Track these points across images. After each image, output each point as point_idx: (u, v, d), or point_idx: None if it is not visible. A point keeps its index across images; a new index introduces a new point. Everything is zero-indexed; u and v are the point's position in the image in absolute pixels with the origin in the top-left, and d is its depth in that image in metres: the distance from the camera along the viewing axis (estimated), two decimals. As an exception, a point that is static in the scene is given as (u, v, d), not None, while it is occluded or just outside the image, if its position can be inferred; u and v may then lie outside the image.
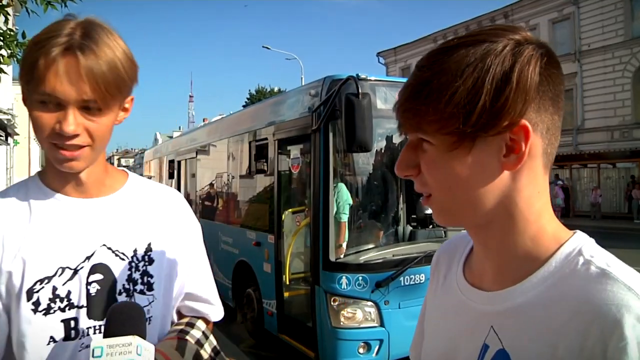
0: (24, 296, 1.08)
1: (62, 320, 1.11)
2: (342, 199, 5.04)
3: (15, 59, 5.65)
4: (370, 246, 4.84)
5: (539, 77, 0.76)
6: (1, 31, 5.43)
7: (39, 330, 1.09)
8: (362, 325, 4.47)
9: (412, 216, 5.28)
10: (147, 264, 1.23)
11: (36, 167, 45.76)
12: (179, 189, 10.31)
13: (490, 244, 0.84)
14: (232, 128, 7.62)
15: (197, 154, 8.98)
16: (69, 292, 1.12)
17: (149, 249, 1.24)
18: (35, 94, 1.02)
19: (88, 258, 1.15)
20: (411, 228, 5.22)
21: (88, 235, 1.17)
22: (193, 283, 1.36)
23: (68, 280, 1.12)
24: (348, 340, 4.46)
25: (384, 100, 4.69)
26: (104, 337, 1.02)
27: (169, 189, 1.41)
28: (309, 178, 5.02)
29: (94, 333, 1.14)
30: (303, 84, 12.36)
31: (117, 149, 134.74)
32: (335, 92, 4.49)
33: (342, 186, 5.04)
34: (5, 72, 5.89)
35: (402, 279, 4.48)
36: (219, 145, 8.06)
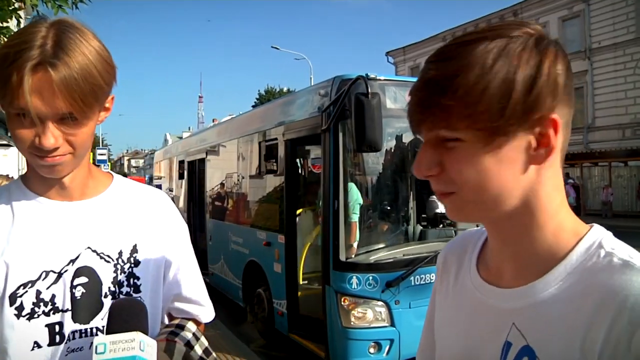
0: (7, 301, 1.06)
1: (46, 325, 1.09)
2: (353, 198, 5.04)
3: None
4: (381, 246, 4.84)
5: (565, 73, 0.77)
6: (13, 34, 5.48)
7: (22, 336, 1.07)
8: (372, 325, 4.47)
9: (423, 215, 5.27)
10: (133, 265, 1.22)
11: (47, 168, 45.90)
12: (189, 189, 10.37)
13: (509, 240, 0.84)
14: (241, 128, 7.64)
15: (207, 155, 9.02)
16: (53, 296, 1.10)
17: (134, 251, 1.23)
18: (12, 108, 1.00)
19: (72, 261, 1.13)
20: (421, 227, 5.21)
21: (72, 238, 1.15)
22: (182, 284, 1.34)
23: (52, 284, 1.11)
24: (358, 340, 4.46)
25: (394, 100, 4.68)
26: (106, 333, 1.02)
27: (154, 190, 1.39)
28: (319, 178, 5.03)
29: (80, 337, 1.12)
30: (312, 83, 12.36)
31: (127, 150, 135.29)
32: (344, 91, 4.49)
33: (352, 186, 5.03)
34: (17, 74, 5.95)
35: (412, 278, 4.48)
36: (229, 145, 8.09)
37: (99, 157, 32.73)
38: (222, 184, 8.49)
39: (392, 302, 4.44)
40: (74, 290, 1.12)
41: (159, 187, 13.65)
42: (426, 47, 37.30)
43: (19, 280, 1.08)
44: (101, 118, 1.15)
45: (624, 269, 0.73)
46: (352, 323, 4.46)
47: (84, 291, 1.13)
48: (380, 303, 4.46)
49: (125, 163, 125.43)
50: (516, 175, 0.78)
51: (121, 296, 1.19)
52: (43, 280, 1.10)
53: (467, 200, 0.79)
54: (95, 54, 1.03)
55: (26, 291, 1.08)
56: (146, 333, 1.04)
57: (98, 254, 1.17)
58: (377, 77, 4.54)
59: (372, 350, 4.46)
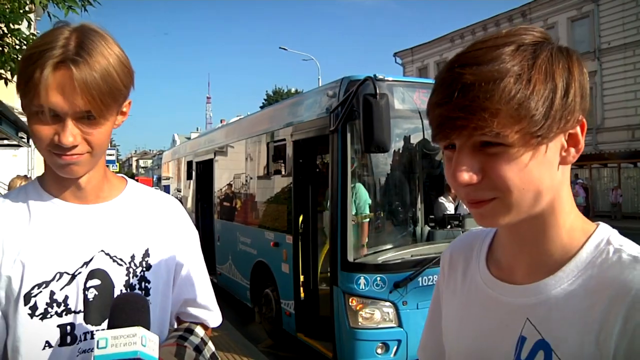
0: (21, 300, 1.08)
1: (58, 326, 1.11)
2: (362, 199, 5.05)
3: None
4: (389, 246, 4.84)
5: (586, 77, 0.80)
6: (24, 36, 5.53)
7: (35, 335, 1.09)
8: (380, 326, 4.47)
9: (430, 216, 5.27)
10: (144, 269, 1.24)
11: (56, 169, 46.17)
12: (197, 190, 10.40)
13: (528, 239, 0.86)
14: (250, 129, 7.66)
15: (215, 155, 9.04)
16: (66, 297, 1.12)
17: (146, 255, 1.25)
18: (33, 106, 1.03)
19: (86, 264, 1.15)
20: (429, 228, 5.21)
21: (86, 241, 1.17)
22: (191, 289, 1.36)
23: (65, 285, 1.12)
24: (366, 341, 4.47)
25: (402, 101, 4.68)
26: (108, 327, 1.02)
27: (166, 196, 1.42)
28: (327, 179, 5.04)
29: (91, 338, 1.13)
30: (320, 84, 12.36)
31: (135, 150, 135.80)
32: (353, 92, 4.49)
33: (360, 186, 5.06)
34: (27, 76, 6.00)
35: (420, 279, 4.47)
36: (237, 146, 8.11)
37: (107, 158, 32.89)
38: (230, 185, 8.52)
39: (400, 303, 4.44)
40: (87, 292, 1.14)
41: (167, 187, 13.72)
42: (434, 47, 37.24)
43: (33, 281, 1.09)
44: (118, 122, 1.17)
45: (634, 264, 0.77)
46: (359, 323, 4.47)
47: (97, 293, 1.15)
48: (387, 304, 4.46)
49: (134, 163, 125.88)
50: (552, 176, 0.80)
51: None
52: (57, 281, 1.12)
53: (509, 205, 0.79)
54: (115, 57, 1.07)
55: (40, 291, 1.10)
56: (148, 328, 1.04)
57: (111, 257, 1.19)
58: (385, 78, 4.54)
59: (379, 350, 4.46)
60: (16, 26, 5.49)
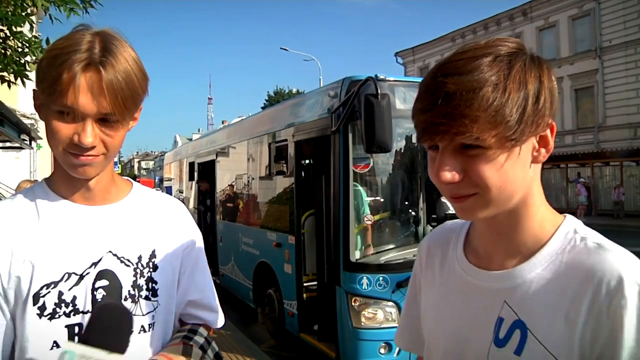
0: (30, 300, 1.09)
1: (66, 326, 1.11)
2: (362, 199, 5.07)
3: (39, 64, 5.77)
4: (391, 246, 4.84)
5: (554, 83, 0.90)
6: (26, 38, 5.55)
7: (43, 335, 1.10)
8: (383, 326, 4.47)
9: (432, 216, 5.27)
10: (151, 270, 1.25)
11: (59, 171, 46.25)
12: (199, 190, 10.41)
13: (505, 230, 0.96)
14: (251, 130, 7.67)
15: (217, 156, 9.05)
16: (75, 298, 1.13)
17: (153, 256, 1.26)
18: (55, 105, 1.05)
19: (94, 264, 1.17)
20: (431, 228, 5.21)
21: (94, 241, 1.18)
22: (195, 290, 1.38)
23: (74, 285, 1.13)
24: (369, 341, 4.47)
25: (403, 101, 4.68)
26: (80, 340, 1.04)
27: (171, 199, 1.44)
28: (329, 179, 5.04)
29: None
30: (321, 84, 12.35)
31: (137, 152, 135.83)
32: (354, 93, 4.50)
33: (358, 186, 5.08)
34: (29, 79, 6.01)
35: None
36: (239, 147, 8.12)
37: (109, 159, 32.91)
38: (232, 185, 8.53)
39: (403, 303, 4.44)
40: (95, 292, 1.15)
41: (169, 188, 13.73)
42: (435, 47, 37.21)
43: (42, 281, 1.10)
44: (129, 126, 1.19)
45: (598, 250, 0.88)
46: (362, 323, 4.47)
47: (105, 294, 1.16)
48: (390, 303, 4.46)
49: (136, 165, 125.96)
50: (525, 174, 0.90)
51: (140, 299, 1.21)
52: (65, 281, 1.12)
53: (488, 200, 0.88)
54: (134, 62, 1.10)
55: (49, 292, 1.10)
56: (125, 346, 1.06)
57: (119, 258, 1.20)
58: (387, 78, 4.55)
59: (382, 350, 4.47)
60: (18, 29, 5.51)
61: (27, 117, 21.25)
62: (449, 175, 0.86)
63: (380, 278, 4.44)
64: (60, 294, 1.11)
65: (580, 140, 27.80)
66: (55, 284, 1.11)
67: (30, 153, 26.63)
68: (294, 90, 46.04)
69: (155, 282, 1.25)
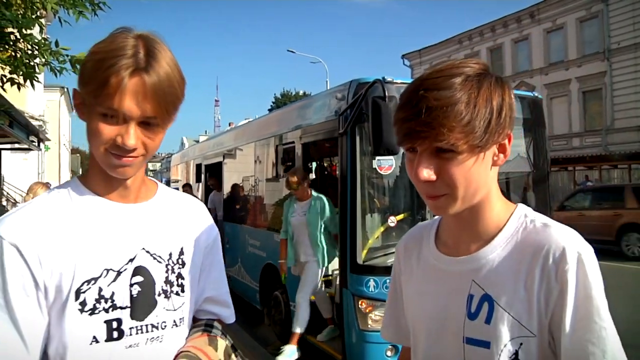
0: (72, 296, 1.11)
1: (105, 321, 1.14)
2: (331, 213, 5.13)
3: (48, 67, 5.80)
4: (398, 249, 4.84)
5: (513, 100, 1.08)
6: (36, 41, 5.57)
7: (83, 330, 1.12)
8: (390, 328, 4.46)
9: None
10: (180, 267, 1.30)
11: (66, 172, 46.63)
12: (206, 192, 10.44)
13: (470, 221, 1.13)
14: (258, 132, 7.69)
15: (224, 158, 9.08)
16: (113, 294, 1.16)
17: (181, 253, 1.31)
18: (101, 107, 1.08)
19: (131, 261, 1.20)
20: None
21: (130, 238, 1.22)
22: (214, 287, 1.43)
23: (112, 281, 1.16)
24: (376, 343, 4.46)
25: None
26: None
27: (194, 199, 1.48)
28: (336, 181, 5.05)
29: (136, 333, 1.18)
30: (328, 87, 12.34)
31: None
32: (361, 95, 4.50)
33: (325, 200, 5.30)
34: (39, 81, 6.04)
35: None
36: (246, 149, 8.13)
37: (117, 161, 33.02)
38: (239, 187, 8.54)
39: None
40: (131, 288, 1.19)
41: (176, 190, 13.76)
42: (442, 49, 37.15)
43: (83, 277, 1.13)
44: (167, 128, 1.23)
45: (544, 228, 1.07)
46: (369, 326, 4.47)
47: (140, 290, 1.20)
48: (397, 306, 4.45)
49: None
50: (486, 175, 1.08)
51: (172, 295, 1.26)
52: (104, 277, 1.16)
53: (457, 198, 1.05)
54: (175, 66, 1.15)
55: (89, 288, 1.14)
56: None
57: (151, 255, 1.24)
58: (394, 80, 4.54)
59: (389, 353, 4.46)
60: (28, 31, 5.54)
61: (36, 119, 21.40)
62: (426, 173, 1.02)
63: (387, 280, 4.43)
64: (100, 289, 1.15)
65: (588, 142, 27.66)
66: (95, 280, 1.14)
67: (38, 154, 26.80)
68: (301, 93, 46.09)
69: (184, 278, 1.30)
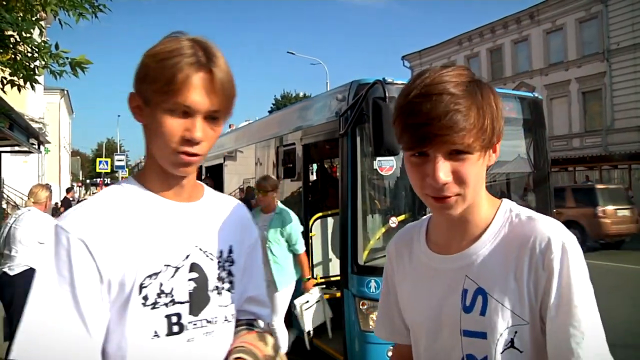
0: (135, 290, 1.15)
1: (165, 316, 1.18)
2: (294, 230, 5.08)
3: (48, 69, 5.81)
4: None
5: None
6: (36, 43, 5.58)
7: (145, 324, 1.15)
8: (391, 329, 4.45)
9: (440, 219, 5.26)
10: (230, 264, 1.34)
11: (66, 175, 46.60)
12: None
13: (463, 219, 1.17)
14: (259, 133, 7.69)
15: (224, 160, 9.08)
16: (173, 289, 1.20)
17: (230, 251, 1.36)
18: (169, 104, 1.13)
19: (187, 257, 1.24)
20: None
21: (185, 236, 1.26)
22: (256, 286, 1.47)
23: (171, 277, 1.20)
24: (377, 344, 4.45)
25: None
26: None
27: (236, 200, 1.52)
28: (337, 182, 5.05)
29: (193, 328, 1.22)
30: (328, 88, 12.34)
31: (144, 156, 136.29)
32: (362, 96, 4.50)
33: (288, 212, 5.17)
34: (39, 83, 6.05)
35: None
36: (246, 150, 8.14)
37: (117, 163, 33.05)
38: (240, 189, 8.54)
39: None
40: (188, 284, 1.23)
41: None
42: (442, 50, 37.17)
43: (146, 272, 1.17)
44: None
45: (529, 221, 1.13)
46: (370, 327, 4.46)
47: (195, 286, 1.24)
48: (399, 307, 4.44)
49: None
50: (483, 174, 1.14)
51: (224, 292, 1.31)
52: (164, 273, 1.19)
53: (467, 198, 1.10)
54: (228, 67, 1.21)
55: (151, 282, 1.17)
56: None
57: (204, 252, 1.28)
58: (395, 81, 4.54)
59: (390, 354, 4.45)
60: (28, 34, 5.54)
61: (36, 122, 21.40)
62: (444, 176, 1.06)
63: (388, 281, 4.43)
64: (161, 284, 1.18)
65: (588, 143, 27.66)
66: (156, 275, 1.18)
67: (38, 157, 26.79)
68: (301, 94, 46.10)
69: (233, 276, 1.35)
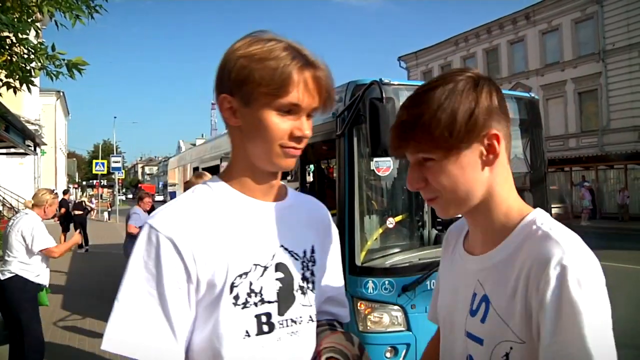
0: (227, 289, 1.15)
1: (255, 315, 1.18)
2: None
3: (44, 71, 5.80)
4: (396, 250, 4.84)
5: (497, 102, 1.11)
6: (32, 45, 5.57)
7: (237, 324, 1.16)
8: (389, 330, 4.45)
9: (438, 220, 5.26)
10: (312, 264, 1.34)
11: (62, 177, 46.48)
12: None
13: (478, 221, 1.18)
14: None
15: (221, 161, 9.07)
16: (262, 288, 1.20)
17: (313, 251, 1.36)
18: (276, 104, 1.16)
19: (273, 256, 1.24)
20: (437, 232, 5.21)
21: (272, 235, 1.26)
22: (335, 286, 1.47)
23: (260, 276, 1.20)
24: (375, 345, 4.45)
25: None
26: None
27: (317, 200, 1.53)
28: (334, 183, 5.05)
29: (279, 328, 1.22)
30: (324, 89, 12.29)
31: (140, 157, 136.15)
32: (359, 97, 4.50)
33: None
34: (35, 85, 6.04)
35: (428, 282, 4.46)
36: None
37: (113, 165, 33.02)
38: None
39: (409, 307, 4.43)
40: (275, 283, 1.23)
41: (173, 194, 13.76)
42: (438, 51, 37.27)
43: (236, 271, 1.18)
44: None
45: (543, 237, 1.05)
46: (368, 328, 4.45)
47: (281, 285, 1.25)
48: (396, 307, 4.45)
49: (139, 170, 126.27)
50: (476, 176, 1.11)
51: (308, 291, 1.31)
52: (254, 272, 1.20)
53: (448, 201, 1.13)
54: (326, 65, 1.25)
55: (241, 282, 1.18)
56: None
57: (289, 252, 1.29)
58: (391, 82, 4.54)
59: (388, 354, 4.45)
60: (24, 35, 5.53)
61: (32, 123, 21.35)
62: (411, 184, 1.14)
63: (386, 282, 4.43)
64: (251, 284, 1.19)
65: (585, 143, 27.75)
66: (246, 274, 1.19)
67: (34, 159, 26.72)
68: (297, 95, 45.96)
69: (315, 276, 1.35)
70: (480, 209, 1.14)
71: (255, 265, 1.20)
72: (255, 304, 1.19)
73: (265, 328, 1.19)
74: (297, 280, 1.28)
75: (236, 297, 1.16)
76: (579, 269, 0.97)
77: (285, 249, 1.27)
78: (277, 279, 1.23)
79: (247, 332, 1.17)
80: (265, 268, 1.22)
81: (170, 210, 1.18)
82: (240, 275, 1.17)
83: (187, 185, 5.04)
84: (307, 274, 1.32)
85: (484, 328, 1.11)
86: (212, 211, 1.20)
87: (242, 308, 1.17)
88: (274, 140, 1.17)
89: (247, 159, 1.24)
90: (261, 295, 1.20)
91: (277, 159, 1.21)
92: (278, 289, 1.23)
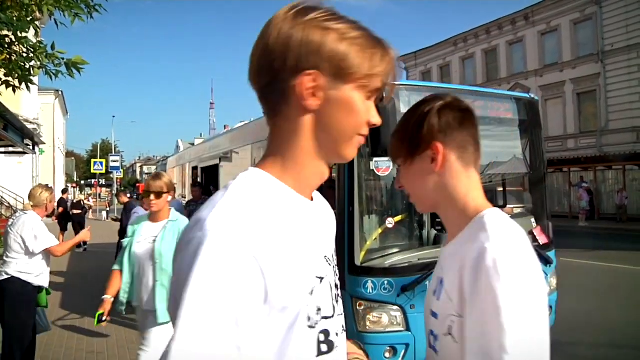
0: (302, 309, 0.99)
1: (321, 331, 1.02)
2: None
3: (44, 70, 5.79)
4: (396, 250, 4.84)
5: (451, 119, 1.31)
6: (31, 43, 5.56)
7: (309, 343, 1.00)
8: (388, 330, 4.45)
9: (437, 220, 5.27)
10: (337, 269, 1.19)
11: (60, 175, 46.40)
12: (206, 195, 10.42)
13: (442, 217, 1.37)
14: (255, 134, 7.68)
15: (220, 161, 9.07)
16: (323, 303, 1.04)
17: (334, 255, 1.20)
18: (370, 86, 1.06)
19: (324, 265, 1.09)
20: (436, 232, 5.21)
21: (320, 241, 1.12)
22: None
23: (321, 290, 1.04)
24: (374, 345, 4.45)
25: (407, 105, 4.66)
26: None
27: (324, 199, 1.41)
28: (334, 183, 5.05)
29: (337, 347, 1.07)
30: (324, 89, 12.32)
31: (139, 157, 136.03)
32: (358, 97, 4.50)
33: (185, 222, 4.25)
34: (34, 83, 6.02)
35: (427, 282, 4.46)
36: (242, 152, 8.13)
37: (112, 164, 33.02)
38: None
39: (408, 307, 4.43)
40: (328, 295, 1.07)
41: (173, 193, 13.74)
42: (437, 51, 37.27)
43: (308, 288, 1.02)
44: None
45: (479, 228, 1.22)
46: (367, 327, 4.46)
47: (330, 297, 1.08)
48: (395, 307, 4.45)
49: (138, 170, 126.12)
50: (429, 179, 1.32)
51: (339, 299, 1.14)
52: (318, 287, 1.04)
53: (414, 199, 1.40)
54: None
55: (311, 299, 1.02)
56: None
57: (327, 258, 1.13)
58: (391, 82, 4.54)
59: (387, 354, 4.45)
60: (23, 34, 5.52)
61: (30, 122, 21.33)
62: (397, 184, 1.43)
63: (385, 282, 4.43)
64: (316, 300, 1.03)
65: (583, 144, 27.78)
66: (313, 290, 1.02)
67: (32, 158, 26.70)
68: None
69: (338, 281, 1.19)
70: (440, 207, 1.35)
71: (318, 278, 1.04)
72: (320, 320, 1.02)
73: (330, 345, 1.03)
74: (334, 288, 1.10)
75: (308, 317, 0.99)
76: (497, 251, 1.11)
77: (325, 255, 1.11)
78: (328, 291, 1.06)
79: (319, 350, 1.01)
80: (322, 279, 1.04)
81: (239, 217, 0.96)
82: (311, 292, 1.01)
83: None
84: (337, 280, 1.15)
85: (439, 304, 1.27)
86: (279, 218, 1.00)
87: (311, 327, 1.00)
88: (359, 126, 1.06)
89: (312, 150, 1.06)
90: (324, 311, 1.03)
91: (351, 149, 1.08)
92: (330, 302, 1.06)
